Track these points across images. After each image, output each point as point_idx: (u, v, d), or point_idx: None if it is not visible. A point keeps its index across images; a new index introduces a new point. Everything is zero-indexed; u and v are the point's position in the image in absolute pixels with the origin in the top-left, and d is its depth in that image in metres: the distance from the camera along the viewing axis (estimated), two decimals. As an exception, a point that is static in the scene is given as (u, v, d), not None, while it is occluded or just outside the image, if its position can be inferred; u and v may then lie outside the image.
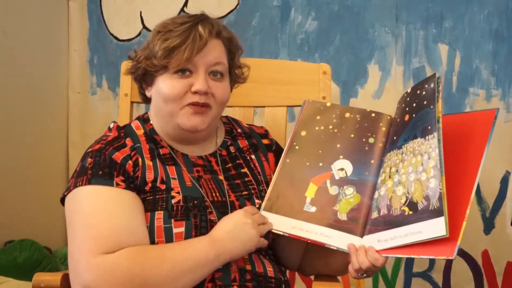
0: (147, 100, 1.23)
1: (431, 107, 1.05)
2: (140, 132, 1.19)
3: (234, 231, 1.06)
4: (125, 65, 1.24)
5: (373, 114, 1.21)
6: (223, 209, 1.14)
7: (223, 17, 2.22)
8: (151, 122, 1.22)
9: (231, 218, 1.08)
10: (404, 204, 1.01)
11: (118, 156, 1.11)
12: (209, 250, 1.04)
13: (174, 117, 1.15)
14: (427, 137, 1.03)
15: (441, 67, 2.02)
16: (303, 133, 1.23)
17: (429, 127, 1.03)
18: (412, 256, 0.99)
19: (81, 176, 1.09)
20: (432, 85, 1.07)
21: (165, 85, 1.14)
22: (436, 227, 0.93)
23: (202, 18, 1.16)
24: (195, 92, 1.13)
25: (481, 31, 1.98)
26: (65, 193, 1.10)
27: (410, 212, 0.99)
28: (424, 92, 1.09)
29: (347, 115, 1.22)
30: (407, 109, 1.13)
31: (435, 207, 0.95)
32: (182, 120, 1.14)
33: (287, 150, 1.21)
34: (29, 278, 1.15)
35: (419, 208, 0.98)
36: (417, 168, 1.02)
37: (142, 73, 1.18)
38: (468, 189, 0.97)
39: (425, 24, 2.03)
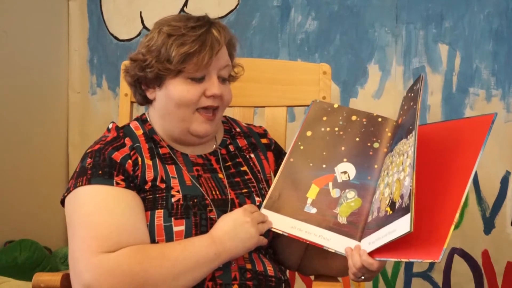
0: (146, 102, 1.22)
1: (415, 106, 1.05)
2: (139, 132, 1.19)
3: (234, 230, 1.07)
4: (125, 65, 1.23)
5: (379, 119, 1.21)
6: (223, 207, 1.14)
7: (223, 17, 2.21)
8: (149, 123, 1.22)
9: (230, 217, 1.09)
10: (387, 205, 1.01)
11: (118, 155, 1.11)
12: (209, 249, 1.05)
13: (186, 122, 1.15)
14: (408, 136, 1.03)
15: (441, 67, 2.02)
16: (309, 133, 1.22)
17: (410, 126, 1.03)
18: (402, 260, 0.99)
19: (80, 176, 1.09)
20: (417, 86, 1.08)
21: (179, 90, 1.13)
22: (403, 224, 0.93)
23: (211, 22, 1.16)
24: (210, 96, 1.14)
25: (481, 31, 1.98)
26: (65, 194, 1.10)
27: (391, 212, 0.99)
28: (412, 94, 1.10)
29: (354, 118, 1.22)
30: (401, 112, 1.15)
31: (405, 204, 0.94)
32: (194, 126, 1.15)
33: (292, 150, 1.21)
34: (29, 278, 1.15)
35: (396, 207, 0.98)
36: (399, 168, 1.02)
37: (152, 77, 1.15)
38: (459, 194, 0.96)
39: (425, 24, 2.03)
